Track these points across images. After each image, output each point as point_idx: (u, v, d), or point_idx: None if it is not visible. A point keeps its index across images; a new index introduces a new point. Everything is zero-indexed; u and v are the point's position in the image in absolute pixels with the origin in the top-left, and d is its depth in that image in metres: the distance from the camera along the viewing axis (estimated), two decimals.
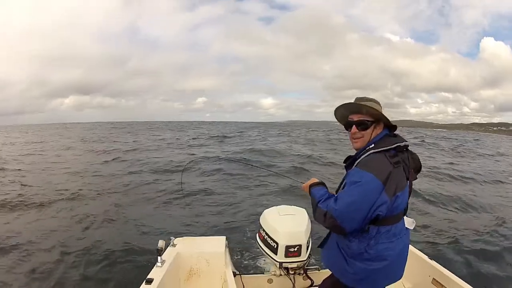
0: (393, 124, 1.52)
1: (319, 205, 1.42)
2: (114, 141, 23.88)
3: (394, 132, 1.54)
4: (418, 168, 1.59)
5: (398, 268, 1.50)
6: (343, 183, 1.46)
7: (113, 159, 13.25)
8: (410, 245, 2.34)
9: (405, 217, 1.51)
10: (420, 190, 7.42)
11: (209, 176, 9.32)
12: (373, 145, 1.45)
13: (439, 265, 2.17)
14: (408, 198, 1.53)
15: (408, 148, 1.52)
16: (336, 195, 1.43)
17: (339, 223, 1.34)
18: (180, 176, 6.62)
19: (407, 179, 1.47)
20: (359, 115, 1.50)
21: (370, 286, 1.47)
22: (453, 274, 2.05)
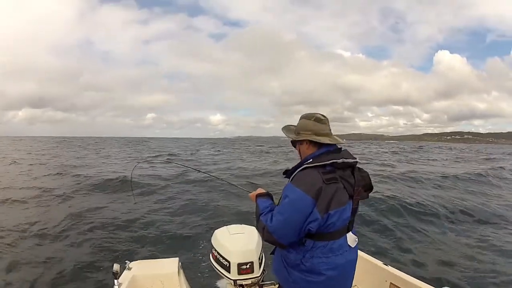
0: (319, 141, 1.47)
1: (261, 218, 1.47)
2: (60, 155, 22.73)
3: (342, 149, 1.50)
4: (368, 186, 1.55)
5: (340, 284, 1.48)
6: (282, 195, 1.47)
7: (57, 174, 12.50)
8: (363, 253, 2.44)
9: (349, 234, 1.48)
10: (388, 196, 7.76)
11: (157, 196, 8.65)
12: (311, 160, 1.44)
13: (395, 269, 2.21)
14: (353, 216, 1.49)
15: (356, 166, 1.50)
16: (273, 211, 1.46)
17: (276, 239, 1.41)
18: (127, 193, 6.10)
19: (351, 196, 1.45)
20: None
21: None
22: (410, 276, 2.09)
